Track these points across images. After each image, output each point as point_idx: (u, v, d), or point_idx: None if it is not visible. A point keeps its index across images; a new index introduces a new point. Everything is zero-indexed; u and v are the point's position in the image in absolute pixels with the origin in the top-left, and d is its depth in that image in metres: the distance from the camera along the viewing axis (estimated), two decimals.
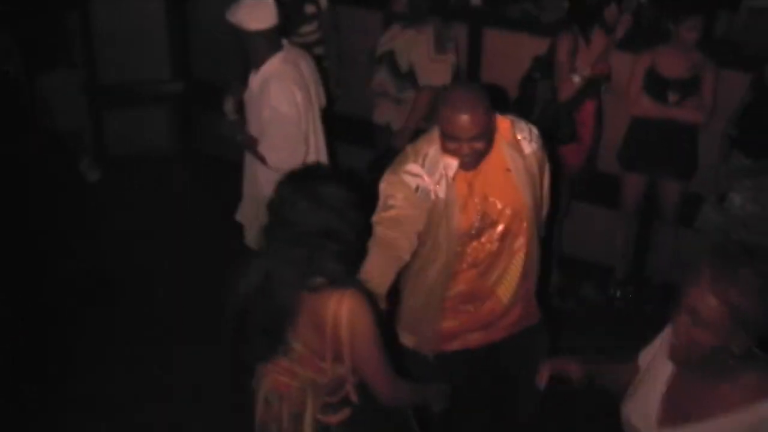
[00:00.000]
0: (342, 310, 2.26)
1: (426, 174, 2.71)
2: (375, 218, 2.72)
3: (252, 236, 3.72)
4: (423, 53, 4.38)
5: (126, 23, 6.13)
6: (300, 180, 2.36)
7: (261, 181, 3.65)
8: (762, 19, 4.60)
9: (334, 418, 2.46)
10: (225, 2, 4.81)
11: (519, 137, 2.84)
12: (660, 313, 4.56)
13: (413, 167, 2.73)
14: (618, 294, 4.79)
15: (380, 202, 2.75)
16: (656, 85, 4.29)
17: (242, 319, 2.36)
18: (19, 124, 5.86)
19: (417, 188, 2.70)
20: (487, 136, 2.66)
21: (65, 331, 4.43)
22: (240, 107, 3.81)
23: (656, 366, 2.15)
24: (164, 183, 6.15)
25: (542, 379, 2.41)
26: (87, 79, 6.12)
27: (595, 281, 4.89)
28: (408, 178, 2.72)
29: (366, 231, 2.52)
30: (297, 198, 2.28)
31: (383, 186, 2.77)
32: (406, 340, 3.01)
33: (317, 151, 3.79)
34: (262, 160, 3.60)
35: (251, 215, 3.80)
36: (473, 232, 2.80)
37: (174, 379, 4.11)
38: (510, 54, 4.79)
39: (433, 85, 4.30)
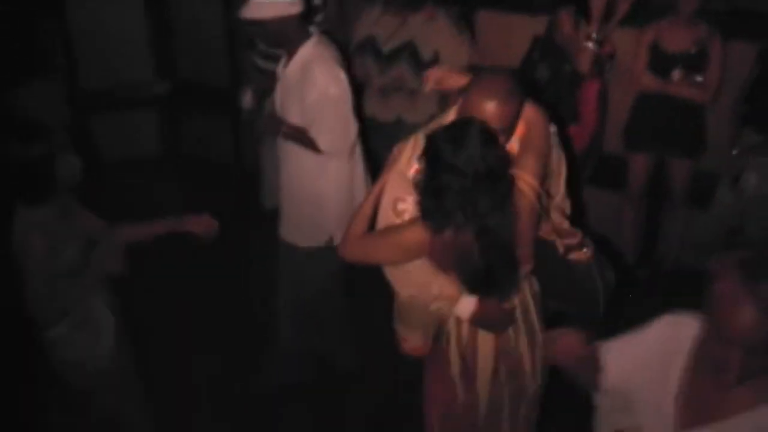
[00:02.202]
0: (527, 196, 2.41)
1: None
2: (383, 223, 2.61)
3: (309, 233, 3.64)
4: (448, 37, 4.21)
5: (106, 25, 5.96)
6: (445, 135, 2.34)
7: (311, 172, 3.56)
8: None
9: (583, 255, 2.69)
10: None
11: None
12: (671, 297, 4.49)
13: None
14: (628, 279, 4.62)
15: (389, 202, 2.60)
16: (660, 61, 4.14)
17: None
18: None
19: None
20: (512, 130, 2.48)
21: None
22: (258, 99, 3.76)
23: (657, 368, 2.01)
24: (154, 187, 5.97)
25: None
26: (69, 86, 5.92)
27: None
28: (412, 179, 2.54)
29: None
30: (456, 156, 2.28)
31: (393, 181, 2.61)
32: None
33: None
34: (311, 146, 3.48)
35: (303, 212, 3.64)
36: None
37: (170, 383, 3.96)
38: (505, 36, 4.63)
39: (460, 66, 4.12)
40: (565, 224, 2.80)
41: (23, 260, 2.84)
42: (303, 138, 3.49)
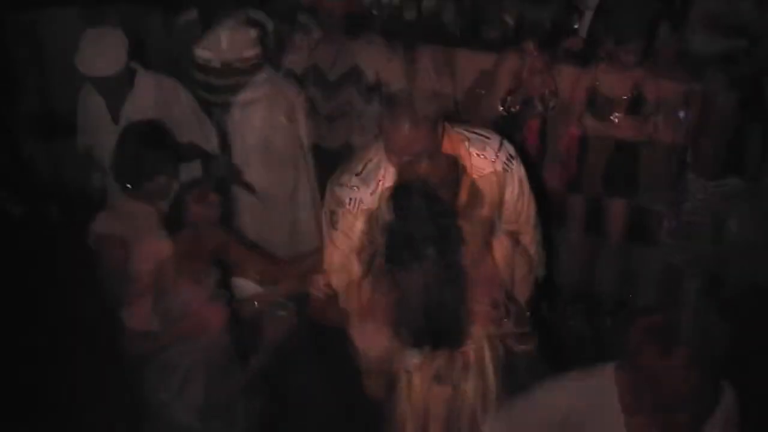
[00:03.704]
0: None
1: (361, 184, 2.61)
2: (328, 231, 2.71)
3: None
4: (385, 60, 4.34)
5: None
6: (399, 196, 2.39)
7: (244, 216, 3.55)
8: None
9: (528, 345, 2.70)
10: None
11: (475, 154, 2.64)
12: (612, 331, 4.52)
13: (347, 178, 2.64)
14: (568, 313, 4.68)
15: (328, 214, 2.71)
16: (598, 103, 4.19)
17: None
18: None
19: (349, 201, 2.62)
20: (432, 153, 2.49)
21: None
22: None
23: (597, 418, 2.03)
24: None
25: None
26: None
27: (546, 302, 4.75)
28: (340, 192, 2.64)
29: None
30: (408, 214, 2.35)
31: (327, 197, 2.72)
32: None
33: (308, 182, 3.68)
34: (249, 188, 3.45)
35: None
36: None
37: None
38: (449, 69, 4.68)
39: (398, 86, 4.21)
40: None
41: None
42: (241, 180, 3.52)
